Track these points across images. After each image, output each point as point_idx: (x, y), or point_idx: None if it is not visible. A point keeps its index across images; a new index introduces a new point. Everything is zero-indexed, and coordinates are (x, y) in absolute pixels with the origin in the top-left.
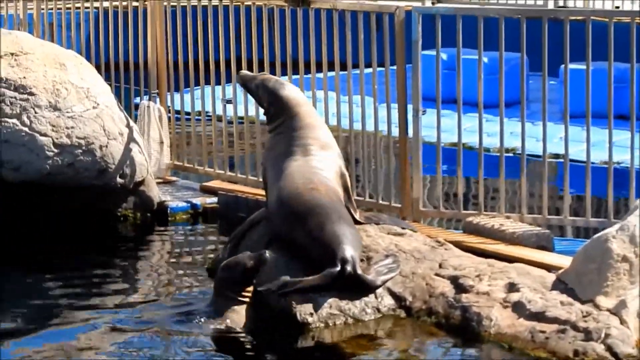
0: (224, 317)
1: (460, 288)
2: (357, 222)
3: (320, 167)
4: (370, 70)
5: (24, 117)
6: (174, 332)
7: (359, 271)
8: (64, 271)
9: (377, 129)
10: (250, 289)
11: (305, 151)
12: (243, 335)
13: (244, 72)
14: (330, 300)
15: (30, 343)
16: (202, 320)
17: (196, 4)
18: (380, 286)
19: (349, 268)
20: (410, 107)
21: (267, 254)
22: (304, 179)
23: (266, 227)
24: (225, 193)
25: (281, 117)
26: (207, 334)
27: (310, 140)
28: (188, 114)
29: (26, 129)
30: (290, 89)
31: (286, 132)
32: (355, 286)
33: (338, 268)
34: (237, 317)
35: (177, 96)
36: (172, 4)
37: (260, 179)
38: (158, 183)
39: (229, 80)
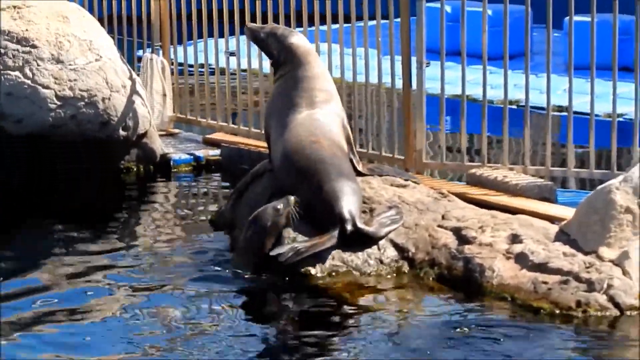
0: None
1: (463, 239)
2: (359, 173)
3: (324, 119)
4: (374, 22)
5: (27, 70)
6: (181, 288)
7: (360, 225)
8: (68, 224)
9: (380, 81)
10: None
11: (310, 103)
12: (247, 286)
13: (252, 24)
14: (333, 252)
15: (38, 298)
16: (210, 272)
17: None
18: (382, 237)
19: (349, 227)
20: (414, 59)
21: (292, 197)
22: (308, 132)
23: (269, 180)
24: (228, 145)
25: (288, 66)
26: (215, 289)
27: (316, 92)
28: (191, 66)
29: (29, 81)
30: (299, 37)
31: (292, 82)
32: (358, 239)
33: (338, 228)
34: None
35: (180, 49)
36: None
37: (263, 132)
38: (161, 135)
39: (232, 32)
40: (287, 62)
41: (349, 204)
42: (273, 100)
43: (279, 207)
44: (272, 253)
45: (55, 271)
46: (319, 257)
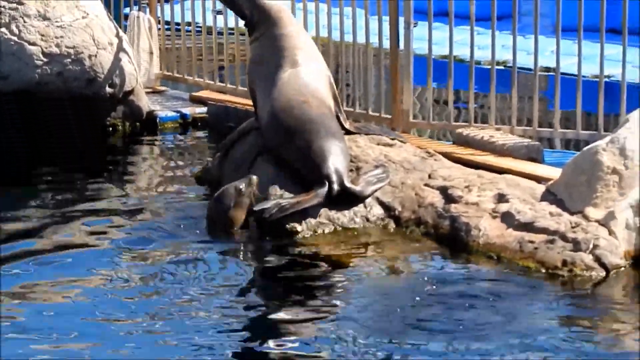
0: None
1: (449, 198)
2: (347, 132)
3: (310, 78)
4: None
5: (13, 27)
6: (164, 245)
7: (347, 184)
8: (56, 180)
9: (368, 41)
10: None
11: (293, 62)
12: (233, 245)
13: None
14: (320, 210)
15: (28, 252)
16: (193, 230)
17: None
18: (369, 196)
19: (335, 186)
20: (401, 19)
21: (254, 177)
22: (295, 91)
23: (256, 138)
24: (214, 103)
25: (262, 26)
26: (200, 247)
27: (296, 51)
28: (178, 24)
29: (15, 38)
30: None
31: (270, 42)
32: (344, 198)
33: (326, 187)
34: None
35: (167, 7)
36: None
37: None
38: (147, 93)
39: None
40: (260, 22)
41: (336, 163)
42: (254, 61)
43: (241, 187)
44: (257, 208)
45: (35, 225)
46: (306, 213)
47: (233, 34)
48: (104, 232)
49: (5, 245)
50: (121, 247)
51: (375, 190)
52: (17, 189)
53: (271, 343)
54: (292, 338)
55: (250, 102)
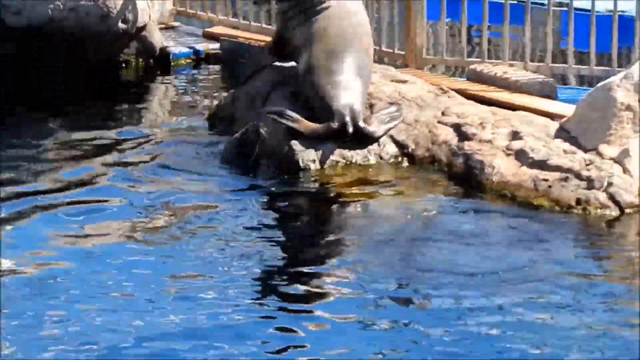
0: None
1: (463, 136)
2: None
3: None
4: None
5: None
6: (177, 184)
7: (361, 124)
8: (71, 116)
9: None
10: None
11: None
12: (246, 182)
13: None
14: (334, 148)
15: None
16: (208, 168)
17: None
18: (382, 136)
19: (350, 128)
20: None
21: (263, 130)
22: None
23: (269, 74)
24: (227, 39)
25: None
26: (212, 186)
27: None
28: None
29: None
30: None
31: None
32: (358, 137)
33: (336, 125)
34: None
35: None
36: None
37: (264, 25)
38: (160, 29)
39: None
40: None
41: (351, 100)
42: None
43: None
44: (266, 108)
45: (54, 160)
46: (314, 144)
47: None
48: (113, 164)
49: (26, 186)
50: (138, 179)
51: (389, 130)
52: (33, 123)
53: (285, 286)
54: (306, 279)
55: (263, 37)
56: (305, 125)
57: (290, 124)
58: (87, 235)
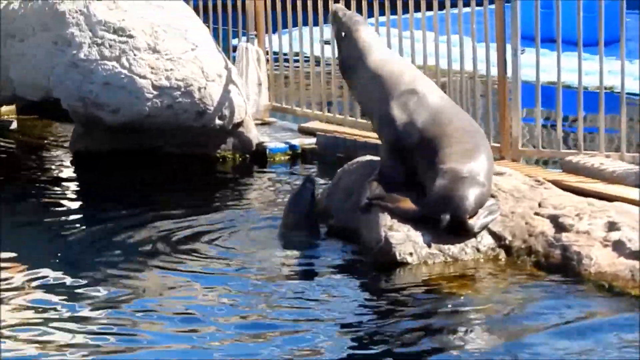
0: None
1: (560, 227)
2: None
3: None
4: (468, 9)
5: (123, 60)
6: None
7: (465, 218)
8: (165, 210)
9: (475, 68)
10: None
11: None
12: (342, 273)
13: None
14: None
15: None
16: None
17: None
18: (479, 232)
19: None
20: (508, 46)
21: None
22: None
23: (365, 167)
24: (323, 134)
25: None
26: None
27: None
28: (286, 55)
29: (125, 71)
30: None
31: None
32: (456, 230)
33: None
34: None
35: (275, 37)
36: None
37: (359, 119)
38: (256, 124)
39: (326, 21)
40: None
41: (471, 191)
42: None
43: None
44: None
45: (140, 254)
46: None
47: None
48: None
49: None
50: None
51: (486, 225)
52: (126, 215)
53: None
54: None
55: (358, 132)
56: (404, 207)
57: (389, 207)
58: None
